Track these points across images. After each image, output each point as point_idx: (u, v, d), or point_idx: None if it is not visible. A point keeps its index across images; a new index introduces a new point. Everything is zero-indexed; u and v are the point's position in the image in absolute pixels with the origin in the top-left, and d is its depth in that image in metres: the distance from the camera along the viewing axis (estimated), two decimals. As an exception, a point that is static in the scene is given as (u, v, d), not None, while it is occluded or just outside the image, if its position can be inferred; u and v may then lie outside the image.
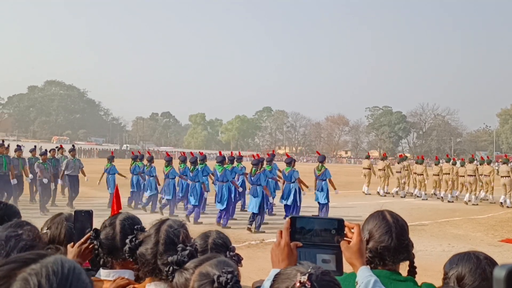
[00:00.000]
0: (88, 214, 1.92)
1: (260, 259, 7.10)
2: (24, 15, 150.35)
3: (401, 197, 17.97)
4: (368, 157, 21.07)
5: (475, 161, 18.06)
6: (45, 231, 1.98)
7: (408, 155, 77.30)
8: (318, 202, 11.07)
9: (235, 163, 11.96)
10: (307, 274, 1.04)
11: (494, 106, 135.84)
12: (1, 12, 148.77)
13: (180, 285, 1.31)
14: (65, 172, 12.28)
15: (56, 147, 14.28)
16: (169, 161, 11.70)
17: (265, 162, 11.25)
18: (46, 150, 12.91)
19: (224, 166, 10.76)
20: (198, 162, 11.20)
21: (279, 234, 1.34)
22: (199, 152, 13.02)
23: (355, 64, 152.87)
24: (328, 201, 11.03)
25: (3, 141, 12.23)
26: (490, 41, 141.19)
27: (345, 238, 1.38)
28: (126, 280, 1.75)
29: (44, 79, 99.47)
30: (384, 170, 18.61)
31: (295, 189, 10.62)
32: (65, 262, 0.80)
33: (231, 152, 13.02)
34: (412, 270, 1.76)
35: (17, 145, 12.70)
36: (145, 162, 12.53)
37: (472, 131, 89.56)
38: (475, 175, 16.69)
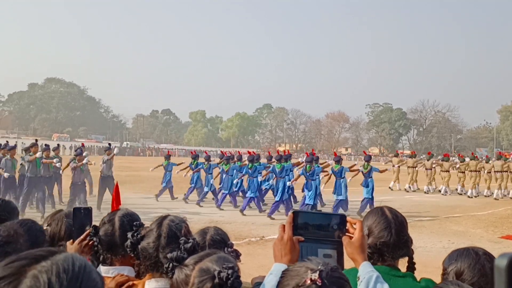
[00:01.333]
0: (87, 211, 1.92)
1: (260, 256, 7.10)
2: (24, 14, 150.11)
3: (431, 192, 18.81)
4: (397, 155, 22.03)
5: (502, 158, 19.04)
6: (45, 227, 1.98)
7: (408, 152, 77.49)
8: (365, 197, 12.22)
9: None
10: (317, 272, 1.03)
11: (495, 102, 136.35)
12: (1, 10, 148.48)
13: (180, 281, 1.31)
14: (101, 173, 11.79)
15: (81, 146, 13.62)
16: (228, 160, 13.24)
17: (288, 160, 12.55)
18: (81, 150, 11.94)
19: (282, 163, 12.03)
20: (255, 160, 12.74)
21: (281, 229, 1.34)
22: (253, 151, 14.87)
23: (355, 61, 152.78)
24: (373, 196, 12.15)
25: (36, 140, 11.60)
26: (490, 38, 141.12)
27: (347, 234, 1.38)
28: (125, 276, 1.75)
29: (44, 77, 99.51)
30: (415, 167, 19.61)
31: (345, 184, 11.68)
32: (76, 260, 0.79)
33: (284, 151, 14.01)
34: (411, 266, 1.77)
35: (45, 144, 11.99)
36: (202, 160, 14.04)
37: (472, 127, 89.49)
38: (502, 172, 17.79)
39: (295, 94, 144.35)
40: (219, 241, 1.91)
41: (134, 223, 1.71)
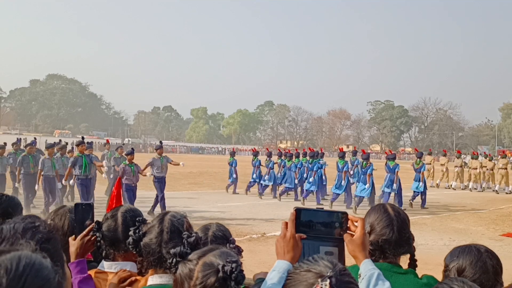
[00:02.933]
0: (89, 207, 1.92)
1: (261, 252, 7.12)
2: (27, 11, 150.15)
3: (462, 189, 19.86)
4: (430, 153, 23.26)
5: None
6: (48, 222, 1.99)
7: (409, 149, 77.36)
8: (414, 191, 13.63)
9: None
10: (328, 279, 1.00)
11: (497, 100, 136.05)
12: (4, 7, 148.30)
13: (184, 276, 1.31)
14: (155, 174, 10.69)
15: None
16: (290, 157, 14.95)
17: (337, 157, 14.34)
18: (133, 149, 10.65)
19: (345, 160, 13.63)
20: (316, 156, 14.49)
21: (284, 226, 1.33)
22: (309, 148, 16.62)
23: (356, 58, 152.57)
24: (425, 189, 13.64)
25: (83, 138, 10.60)
26: (492, 35, 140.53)
27: (348, 231, 1.38)
28: (128, 272, 1.76)
29: (46, 73, 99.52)
30: (461, 166, 20.60)
31: (399, 180, 12.98)
32: (23, 259, 0.79)
33: (340, 148, 15.77)
34: (413, 263, 1.77)
35: (87, 142, 11.16)
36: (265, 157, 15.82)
37: (474, 125, 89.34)
38: None
39: (296, 91, 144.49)
40: (221, 237, 1.92)
41: (137, 219, 1.72)
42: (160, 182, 10.72)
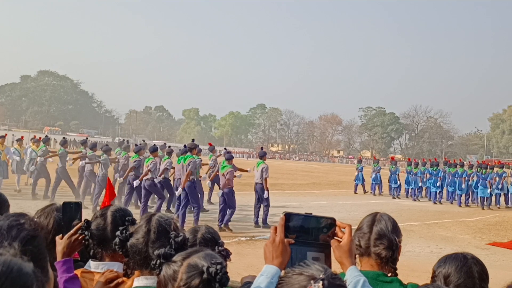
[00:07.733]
0: (77, 206, 1.90)
1: (249, 255, 7.11)
2: (18, 4, 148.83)
3: None
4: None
5: None
6: (34, 220, 1.97)
7: (399, 156, 77.86)
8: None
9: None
10: (320, 281, 1.01)
11: (486, 110, 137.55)
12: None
13: (168, 277, 1.30)
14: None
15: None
16: (416, 164, 18.56)
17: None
18: (229, 152, 10.16)
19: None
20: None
21: (273, 231, 1.32)
22: (442, 159, 20.32)
23: (350, 64, 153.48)
24: None
25: (166, 144, 10.05)
26: (484, 46, 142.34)
27: (335, 238, 1.38)
28: (115, 273, 1.73)
29: (37, 69, 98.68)
30: None
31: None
32: (0, 267, 0.75)
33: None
34: (394, 271, 1.80)
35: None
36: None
37: (463, 134, 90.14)
38: None
39: (289, 95, 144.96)
40: (210, 239, 1.91)
41: (126, 218, 1.71)
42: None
